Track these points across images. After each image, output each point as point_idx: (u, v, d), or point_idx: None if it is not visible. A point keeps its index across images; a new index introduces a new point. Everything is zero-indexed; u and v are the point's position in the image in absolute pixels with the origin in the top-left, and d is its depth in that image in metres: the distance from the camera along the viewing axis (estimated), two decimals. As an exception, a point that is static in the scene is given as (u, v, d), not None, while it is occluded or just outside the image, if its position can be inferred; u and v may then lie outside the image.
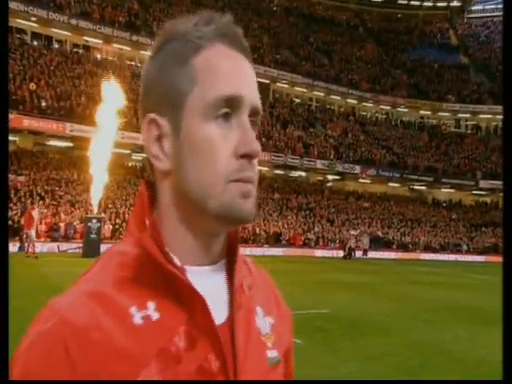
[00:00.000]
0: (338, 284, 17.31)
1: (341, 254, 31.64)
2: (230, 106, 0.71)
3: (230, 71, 0.73)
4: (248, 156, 0.73)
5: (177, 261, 0.72)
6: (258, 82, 0.76)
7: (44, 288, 12.27)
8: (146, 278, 0.71)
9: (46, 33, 37.77)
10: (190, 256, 0.76)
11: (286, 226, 34.56)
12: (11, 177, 29.14)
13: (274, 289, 0.92)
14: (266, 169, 39.32)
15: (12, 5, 34.56)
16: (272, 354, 0.80)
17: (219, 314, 0.74)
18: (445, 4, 62.34)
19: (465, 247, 41.49)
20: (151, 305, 0.70)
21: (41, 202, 26.56)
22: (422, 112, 55.02)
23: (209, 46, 0.73)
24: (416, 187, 48.51)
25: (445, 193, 49.21)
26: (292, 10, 55.47)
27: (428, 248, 39.42)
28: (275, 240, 31.85)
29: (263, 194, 36.64)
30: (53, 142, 33.55)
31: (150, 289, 0.71)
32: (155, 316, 0.70)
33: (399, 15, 62.68)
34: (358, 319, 10.41)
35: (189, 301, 0.71)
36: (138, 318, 0.68)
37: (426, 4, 62.19)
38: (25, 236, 21.43)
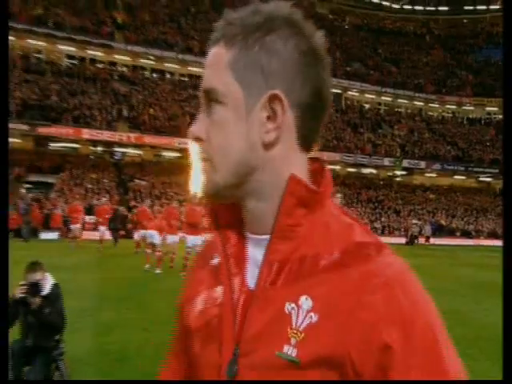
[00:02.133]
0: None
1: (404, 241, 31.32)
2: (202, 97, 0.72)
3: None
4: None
5: (230, 229, 0.76)
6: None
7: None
8: (215, 239, 0.79)
9: (159, 67, 40.67)
10: (236, 225, 0.76)
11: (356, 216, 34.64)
12: (136, 181, 32.04)
13: (367, 304, 0.62)
14: (338, 167, 39.59)
15: (135, 48, 38.05)
16: (289, 351, 0.63)
17: (251, 279, 0.71)
18: None
19: (528, 233, 39.23)
20: (216, 255, 0.78)
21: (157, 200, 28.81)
22: (488, 109, 52.25)
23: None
24: (482, 179, 46.34)
25: (513, 183, 46.48)
26: (362, 26, 54.91)
27: (492, 235, 37.79)
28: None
29: (336, 190, 37.04)
30: (165, 154, 36.28)
31: (215, 247, 0.77)
32: (216, 262, 0.78)
33: (465, 20, 59.77)
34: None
35: (231, 257, 0.74)
36: (213, 261, 0.79)
37: (492, 7, 58.73)
38: None
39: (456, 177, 44.88)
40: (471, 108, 52.01)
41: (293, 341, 0.63)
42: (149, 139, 33.45)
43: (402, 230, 33.63)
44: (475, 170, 44.55)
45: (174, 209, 13.90)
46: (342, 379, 0.61)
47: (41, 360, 4.36)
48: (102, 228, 19.22)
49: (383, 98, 48.31)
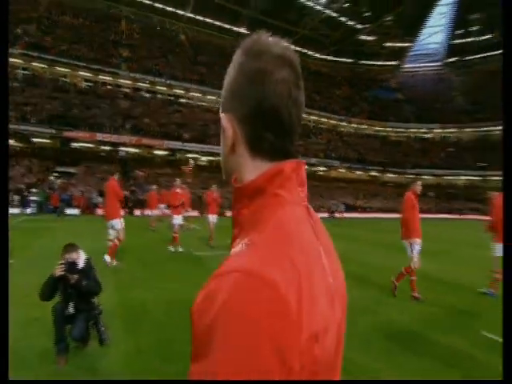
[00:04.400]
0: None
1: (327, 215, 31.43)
2: None
3: None
4: None
5: None
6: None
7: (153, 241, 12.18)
8: None
9: (153, 89, 38.35)
10: None
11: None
12: (136, 172, 30.29)
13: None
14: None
15: (136, 75, 35.75)
16: None
17: None
18: (389, 63, 60.40)
19: (403, 210, 40.69)
20: None
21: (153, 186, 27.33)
22: (376, 128, 53.56)
23: None
24: (372, 173, 47.56)
25: (391, 177, 48.08)
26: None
27: (379, 210, 38.85)
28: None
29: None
30: (157, 152, 34.29)
31: None
32: None
33: (361, 69, 61.07)
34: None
35: None
36: None
37: (378, 63, 60.44)
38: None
39: (357, 172, 45.81)
40: (366, 127, 53.08)
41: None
42: (145, 141, 31.60)
43: (325, 208, 33.81)
44: (369, 167, 45.50)
45: (213, 192, 10.42)
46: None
47: (81, 318, 3.50)
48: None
49: (311, 116, 48.20)
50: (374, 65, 61.03)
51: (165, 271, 7.23)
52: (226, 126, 0.58)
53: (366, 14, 50.42)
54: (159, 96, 38.72)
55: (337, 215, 31.59)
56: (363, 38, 56.25)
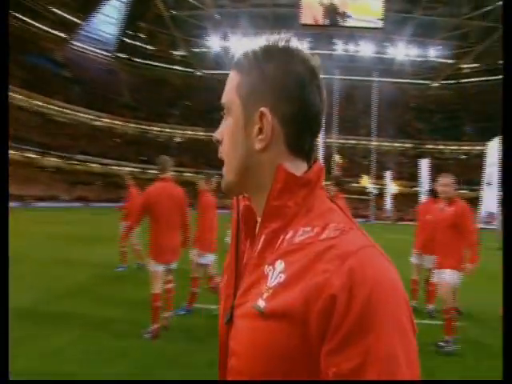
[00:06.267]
0: None
1: None
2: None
3: None
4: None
5: (247, 213, 0.60)
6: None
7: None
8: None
9: None
10: (251, 211, 0.61)
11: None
12: None
13: (326, 272, 0.46)
14: None
15: None
16: (260, 303, 0.49)
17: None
18: (57, 33, 49.36)
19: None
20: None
21: None
22: (35, 102, 41.86)
23: None
24: (29, 155, 36.93)
25: (53, 161, 39.32)
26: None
27: (39, 198, 30.43)
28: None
29: None
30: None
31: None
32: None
33: (18, 25, 46.07)
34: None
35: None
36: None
37: (44, 27, 47.87)
38: None
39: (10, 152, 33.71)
40: (21, 97, 40.05)
41: (264, 295, 0.49)
42: None
43: None
44: (24, 147, 34.87)
45: None
46: (292, 329, 0.46)
47: None
48: None
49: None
50: (39, 27, 47.51)
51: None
52: (266, 123, 0.54)
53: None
54: None
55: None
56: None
